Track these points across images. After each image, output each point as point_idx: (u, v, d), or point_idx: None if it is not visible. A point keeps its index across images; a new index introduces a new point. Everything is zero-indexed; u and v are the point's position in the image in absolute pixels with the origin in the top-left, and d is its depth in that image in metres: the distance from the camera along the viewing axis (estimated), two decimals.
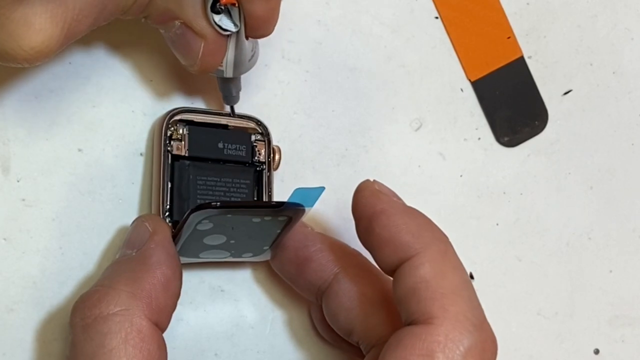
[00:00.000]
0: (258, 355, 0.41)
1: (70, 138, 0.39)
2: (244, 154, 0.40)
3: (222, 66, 0.37)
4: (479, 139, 0.45)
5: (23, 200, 0.39)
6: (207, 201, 0.35)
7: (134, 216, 0.40)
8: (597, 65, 0.46)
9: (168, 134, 0.38)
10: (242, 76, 0.39)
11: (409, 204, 0.44)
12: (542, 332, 0.45)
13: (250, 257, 0.39)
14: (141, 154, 0.40)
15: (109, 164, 0.40)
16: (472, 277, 0.44)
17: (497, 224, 0.45)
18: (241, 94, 0.40)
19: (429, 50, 0.45)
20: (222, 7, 0.34)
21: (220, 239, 0.37)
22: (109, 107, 0.40)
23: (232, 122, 0.40)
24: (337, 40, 0.43)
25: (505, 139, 0.45)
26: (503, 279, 0.45)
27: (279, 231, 0.37)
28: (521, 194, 0.45)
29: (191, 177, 0.38)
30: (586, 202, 0.46)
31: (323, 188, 0.35)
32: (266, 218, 0.36)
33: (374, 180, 0.37)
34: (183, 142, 0.39)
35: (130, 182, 0.40)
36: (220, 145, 0.39)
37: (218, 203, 0.34)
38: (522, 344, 0.45)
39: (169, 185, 0.38)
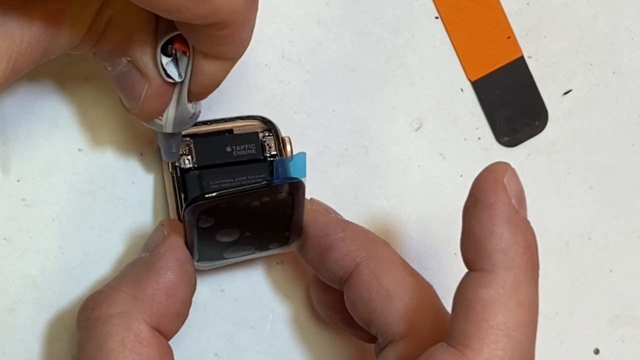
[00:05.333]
0: (258, 355, 0.41)
1: (70, 138, 0.40)
2: (254, 152, 0.39)
3: (160, 120, 0.36)
4: (479, 139, 0.45)
5: (23, 200, 0.39)
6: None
7: (134, 216, 0.40)
8: (597, 65, 0.46)
9: None
10: (243, 77, 0.39)
11: (409, 203, 0.44)
12: (542, 332, 0.45)
13: (277, 247, 0.38)
14: (141, 154, 0.40)
15: (109, 164, 0.40)
16: None
17: None
18: (241, 94, 0.40)
19: (429, 50, 0.45)
20: (173, 51, 0.33)
21: (234, 234, 0.36)
22: (109, 107, 0.40)
23: (237, 125, 0.40)
24: (337, 40, 0.43)
25: (505, 139, 0.45)
26: None
27: (289, 212, 0.36)
28: None
29: (204, 184, 0.38)
30: (586, 202, 0.46)
31: (304, 154, 0.34)
32: (265, 200, 0.35)
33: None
34: (190, 156, 0.39)
35: (131, 182, 0.40)
36: (229, 149, 0.39)
37: (205, 194, 0.34)
38: None
39: (182, 196, 0.38)
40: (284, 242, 0.38)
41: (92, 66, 0.40)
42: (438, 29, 0.45)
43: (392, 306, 0.35)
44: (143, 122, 0.36)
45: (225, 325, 0.41)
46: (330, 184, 0.43)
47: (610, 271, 0.46)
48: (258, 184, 0.36)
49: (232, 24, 0.30)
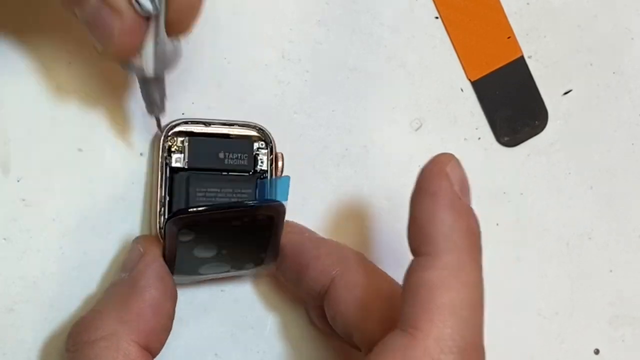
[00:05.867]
0: (258, 355, 0.41)
1: (70, 138, 0.39)
2: (245, 163, 0.39)
3: (140, 61, 0.34)
4: (479, 139, 0.45)
5: (23, 200, 0.39)
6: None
7: (134, 216, 0.40)
8: (597, 65, 0.46)
9: (167, 146, 0.38)
10: (243, 77, 0.39)
11: (409, 203, 0.44)
12: (542, 332, 0.45)
13: (252, 267, 0.38)
14: (141, 154, 0.40)
15: (109, 164, 0.40)
16: None
17: (497, 224, 0.45)
18: (241, 94, 0.39)
19: (429, 50, 0.45)
20: None
21: (211, 251, 0.36)
22: (109, 107, 0.40)
23: (234, 130, 0.40)
24: (337, 40, 0.43)
25: (505, 139, 0.45)
26: (503, 279, 0.45)
27: (267, 234, 0.36)
28: (521, 194, 0.45)
29: (190, 189, 0.38)
30: (586, 202, 0.46)
31: (289, 177, 0.34)
32: (245, 220, 0.35)
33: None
34: (183, 154, 0.38)
35: (130, 182, 0.40)
36: (222, 155, 0.39)
37: (189, 209, 0.34)
38: (522, 344, 0.45)
39: (167, 199, 0.38)
40: (259, 262, 0.38)
41: (92, 66, 0.40)
42: (438, 29, 0.45)
43: (368, 317, 0.36)
44: (122, 67, 0.35)
45: (225, 326, 0.41)
46: (330, 184, 0.43)
47: (610, 271, 0.46)
48: (241, 204, 0.36)
49: None
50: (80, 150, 0.40)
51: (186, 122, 0.39)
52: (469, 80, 0.45)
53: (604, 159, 0.46)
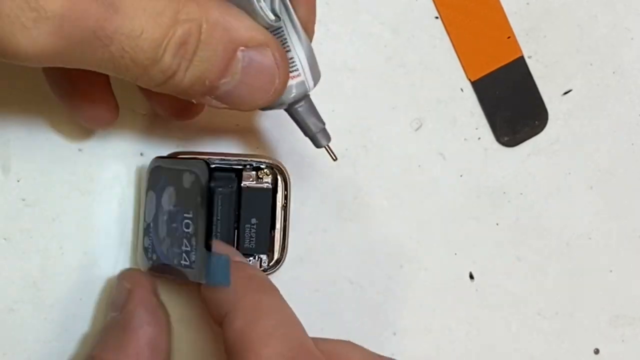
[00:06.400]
0: None
1: (70, 138, 0.39)
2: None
3: (298, 75, 0.31)
4: (479, 139, 0.45)
5: (23, 200, 0.39)
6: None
7: (134, 216, 0.40)
8: (597, 65, 0.46)
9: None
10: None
11: (409, 203, 0.44)
12: (542, 332, 0.45)
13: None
14: (141, 154, 0.40)
15: (109, 164, 0.40)
16: (472, 277, 0.44)
17: (497, 224, 0.45)
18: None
19: (429, 50, 0.45)
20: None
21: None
22: None
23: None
24: (337, 40, 0.43)
25: (505, 138, 0.45)
26: (503, 279, 0.45)
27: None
28: (521, 194, 0.45)
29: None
30: (586, 202, 0.46)
31: (227, 258, 0.33)
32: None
33: None
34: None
35: (130, 182, 0.40)
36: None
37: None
38: (522, 344, 0.45)
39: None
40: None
41: None
42: (438, 29, 0.45)
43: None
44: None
45: None
46: (330, 184, 0.43)
47: (610, 271, 0.46)
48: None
49: None
50: (80, 150, 0.40)
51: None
52: (469, 80, 0.45)
53: (604, 159, 0.46)
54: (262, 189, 0.39)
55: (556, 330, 0.45)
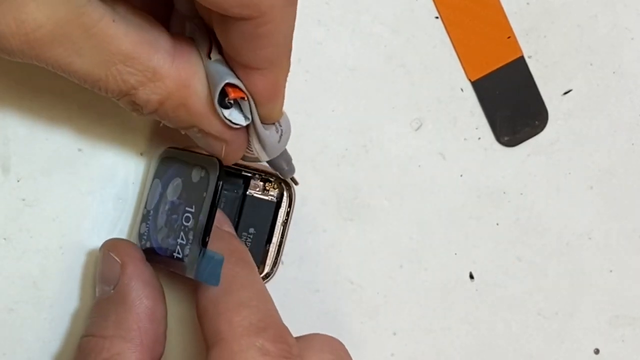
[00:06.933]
0: None
1: (70, 138, 0.39)
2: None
3: (253, 155, 0.36)
4: (479, 138, 0.45)
5: (23, 200, 0.39)
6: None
7: (134, 216, 0.40)
8: (597, 65, 0.46)
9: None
10: None
11: (409, 203, 0.44)
12: (542, 332, 0.45)
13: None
14: (141, 154, 0.40)
15: (109, 164, 0.40)
16: (472, 277, 0.44)
17: (497, 224, 0.45)
18: None
19: (429, 50, 0.45)
20: (231, 102, 0.33)
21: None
22: (109, 107, 0.40)
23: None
24: (337, 40, 0.43)
25: (505, 138, 0.45)
26: (503, 279, 0.45)
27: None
28: (521, 194, 0.45)
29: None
30: (586, 202, 0.46)
31: (221, 258, 0.34)
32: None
33: None
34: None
35: (131, 182, 0.40)
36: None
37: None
38: (522, 344, 0.45)
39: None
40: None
41: None
42: (438, 29, 0.45)
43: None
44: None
45: None
46: (330, 184, 0.43)
47: (610, 271, 0.46)
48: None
49: (270, 20, 0.30)
50: (80, 150, 0.40)
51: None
52: (469, 80, 0.45)
53: (604, 159, 0.46)
54: (266, 200, 0.40)
55: (556, 330, 0.45)
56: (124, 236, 0.40)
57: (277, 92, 0.34)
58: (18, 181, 0.39)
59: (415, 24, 0.44)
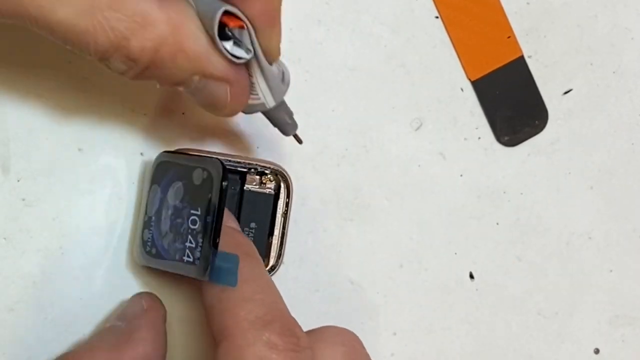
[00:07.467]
0: None
1: (70, 138, 0.39)
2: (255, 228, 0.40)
3: (258, 99, 0.35)
4: (479, 138, 0.45)
5: (23, 200, 0.39)
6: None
7: (135, 214, 0.40)
8: (597, 65, 0.46)
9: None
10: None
11: (409, 203, 0.44)
12: (542, 332, 0.45)
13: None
14: (141, 154, 0.40)
15: (109, 164, 0.40)
16: (472, 277, 0.44)
17: (497, 224, 0.45)
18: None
19: (429, 50, 0.45)
20: (231, 33, 0.32)
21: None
22: (109, 107, 0.40)
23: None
24: (337, 40, 0.43)
25: (506, 138, 0.45)
26: (503, 279, 0.45)
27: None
28: (521, 193, 0.45)
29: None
30: (586, 202, 0.46)
31: (236, 257, 0.34)
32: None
33: None
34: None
35: (131, 182, 0.40)
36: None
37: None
38: (522, 344, 0.45)
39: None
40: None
41: (92, 65, 0.40)
42: (438, 29, 0.45)
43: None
44: (244, 113, 0.35)
45: None
46: (330, 184, 0.43)
47: (610, 271, 0.46)
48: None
49: None
50: (80, 150, 0.40)
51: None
52: (469, 80, 0.45)
53: (604, 159, 0.46)
54: (265, 194, 0.40)
55: (556, 330, 0.45)
56: (124, 241, 0.40)
57: (275, 16, 0.33)
58: (18, 181, 0.39)
59: (415, 24, 0.44)
